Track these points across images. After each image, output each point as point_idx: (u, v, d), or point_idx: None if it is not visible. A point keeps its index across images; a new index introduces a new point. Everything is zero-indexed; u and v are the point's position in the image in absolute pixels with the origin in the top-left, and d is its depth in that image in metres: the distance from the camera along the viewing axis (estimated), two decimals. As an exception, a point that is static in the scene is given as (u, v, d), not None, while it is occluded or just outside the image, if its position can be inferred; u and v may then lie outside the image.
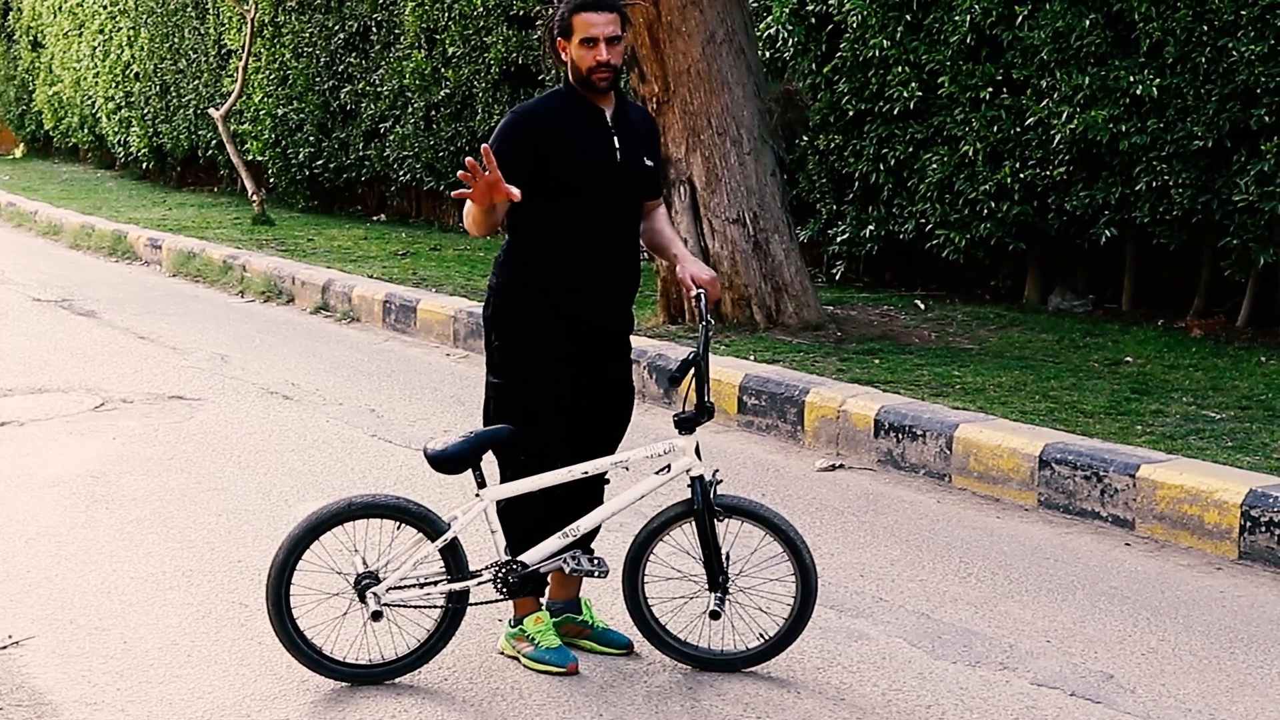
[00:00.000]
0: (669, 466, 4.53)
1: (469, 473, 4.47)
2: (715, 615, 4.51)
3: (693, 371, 4.47)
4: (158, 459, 7.03)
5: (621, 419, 4.73)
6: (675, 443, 4.52)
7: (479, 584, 4.50)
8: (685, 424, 4.50)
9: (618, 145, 4.57)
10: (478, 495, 4.49)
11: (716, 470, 4.60)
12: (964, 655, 4.74)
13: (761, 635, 4.63)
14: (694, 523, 4.51)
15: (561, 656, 4.57)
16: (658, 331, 9.31)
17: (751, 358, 8.40)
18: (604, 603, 5.05)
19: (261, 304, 12.23)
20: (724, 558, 4.55)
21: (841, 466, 7.08)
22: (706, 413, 4.47)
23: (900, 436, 6.98)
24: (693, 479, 4.50)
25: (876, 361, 8.40)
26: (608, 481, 4.74)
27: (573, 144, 4.48)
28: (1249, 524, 5.65)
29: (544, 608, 4.70)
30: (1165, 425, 6.86)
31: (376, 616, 4.45)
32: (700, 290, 4.60)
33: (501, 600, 4.58)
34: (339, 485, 6.51)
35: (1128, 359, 8.48)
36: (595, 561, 4.58)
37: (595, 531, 4.68)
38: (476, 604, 4.58)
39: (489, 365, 4.67)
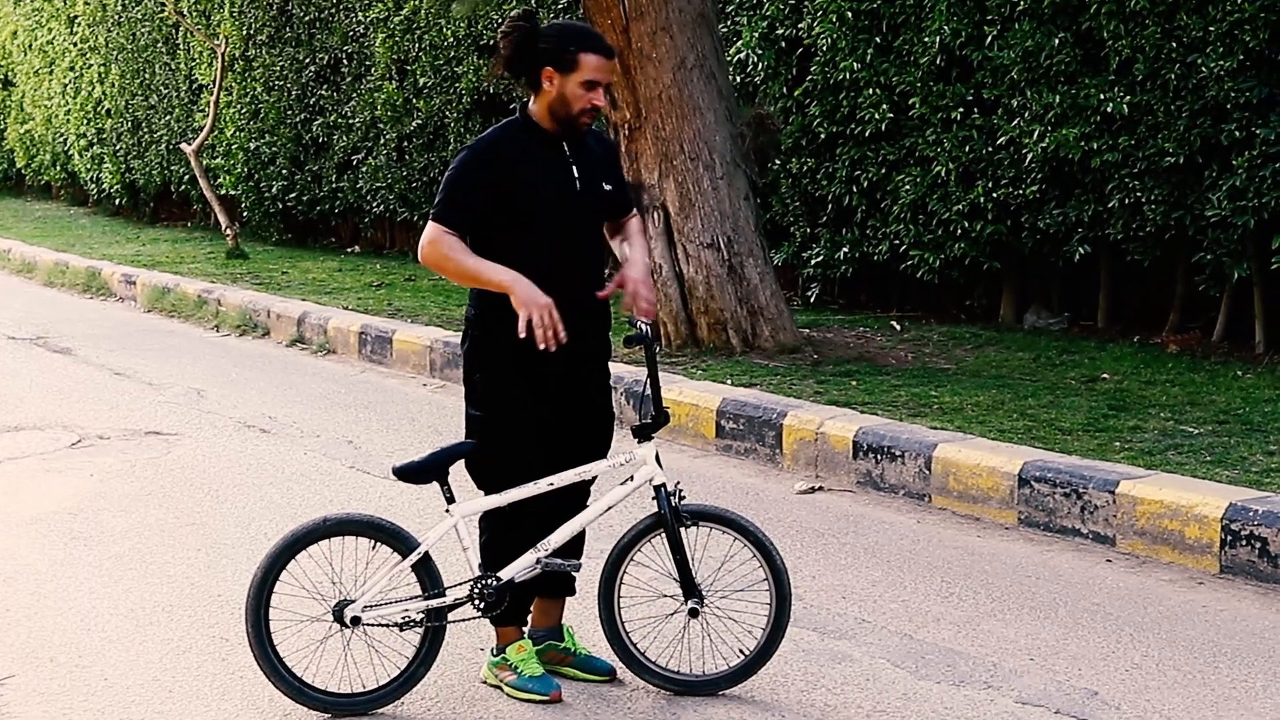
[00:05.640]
0: (633, 477, 4.57)
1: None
2: (694, 613, 4.59)
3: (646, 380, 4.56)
4: (135, 495, 7.00)
5: (601, 446, 4.73)
6: (635, 452, 4.57)
7: (455, 601, 4.50)
8: (641, 432, 4.56)
9: (577, 175, 4.58)
10: (447, 511, 4.50)
11: (679, 483, 4.62)
12: (948, 675, 4.73)
13: (741, 651, 4.63)
14: (664, 532, 4.53)
15: (545, 685, 4.55)
16: (635, 357, 9.29)
17: (728, 381, 8.40)
18: (586, 629, 5.03)
19: (237, 338, 12.19)
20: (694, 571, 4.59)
21: (821, 489, 7.08)
22: (661, 418, 4.54)
23: (879, 457, 6.98)
24: (656, 488, 4.53)
25: (854, 383, 8.41)
26: (585, 507, 4.74)
27: (534, 176, 4.50)
28: (1229, 538, 5.66)
29: (526, 636, 4.69)
30: (1143, 441, 6.88)
31: (355, 623, 4.46)
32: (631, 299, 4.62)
33: (479, 617, 4.57)
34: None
35: (1104, 376, 8.51)
36: (568, 560, 4.60)
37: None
38: (457, 621, 4.57)
39: (468, 398, 4.67)
